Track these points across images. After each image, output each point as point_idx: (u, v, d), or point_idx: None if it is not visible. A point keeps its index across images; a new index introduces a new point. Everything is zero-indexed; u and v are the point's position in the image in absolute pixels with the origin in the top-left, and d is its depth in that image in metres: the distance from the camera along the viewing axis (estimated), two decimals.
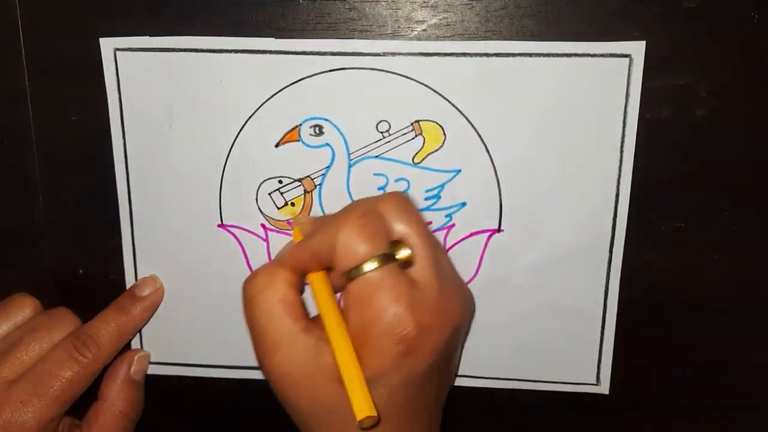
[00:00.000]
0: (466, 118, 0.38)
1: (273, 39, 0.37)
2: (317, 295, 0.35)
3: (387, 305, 0.32)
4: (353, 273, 0.32)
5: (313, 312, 0.36)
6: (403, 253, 0.33)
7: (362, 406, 0.31)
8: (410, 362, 0.32)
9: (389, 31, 0.37)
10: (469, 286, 0.40)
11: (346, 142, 0.38)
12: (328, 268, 0.35)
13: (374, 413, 0.31)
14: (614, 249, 0.39)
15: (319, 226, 0.35)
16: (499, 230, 0.39)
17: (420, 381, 0.33)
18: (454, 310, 0.34)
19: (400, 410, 0.33)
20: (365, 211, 0.33)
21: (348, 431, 0.33)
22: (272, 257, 0.40)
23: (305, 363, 0.33)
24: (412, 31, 0.37)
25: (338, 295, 0.36)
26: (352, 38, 0.37)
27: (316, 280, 0.35)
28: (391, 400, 0.33)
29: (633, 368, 0.41)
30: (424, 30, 0.37)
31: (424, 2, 0.37)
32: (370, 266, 0.32)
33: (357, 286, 0.32)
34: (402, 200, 0.35)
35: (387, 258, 0.32)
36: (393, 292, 0.32)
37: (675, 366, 0.41)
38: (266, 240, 0.40)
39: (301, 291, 0.36)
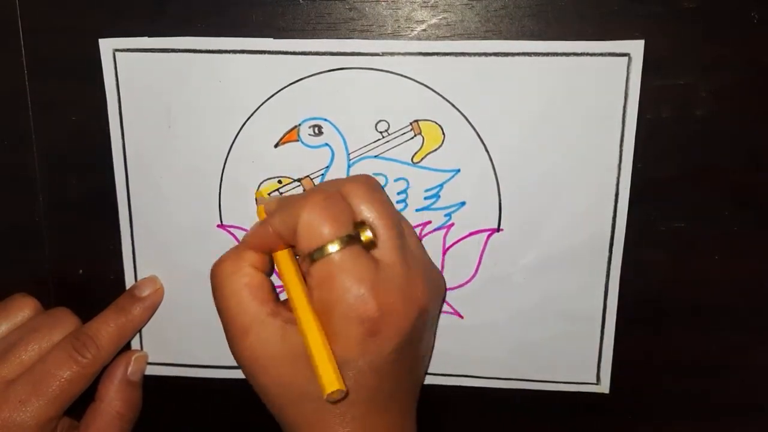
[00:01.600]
0: (465, 117, 0.38)
1: (272, 39, 0.37)
2: (282, 275, 0.35)
3: (349, 287, 0.32)
4: (316, 255, 0.32)
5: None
6: (366, 234, 0.33)
7: (331, 380, 0.31)
8: (375, 344, 0.32)
9: (389, 31, 0.37)
10: (469, 285, 0.40)
11: (345, 142, 0.38)
12: (292, 246, 0.35)
13: (342, 387, 0.31)
14: (614, 249, 0.39)
15: (281, 206, 0.34)
16: (498, 229, 0.39)
17: (387, 365, 0.33)
18: (420, 292, 0.34)
19: (369, 394, 0.33)
20: (329, 194, 0.33)
21: (319, 413, 0.33)
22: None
23: (273, 346, 0.33)
24: (412, 31, 0.37)
25: None
26: (352, 38, 0.37)
27: (282, 259, 0.35)
28: (359, 384, 0.33)
29: (633, 368, 0.41)
30: (424, 30, 0.37)
31: (424, 2, 0.37)
32: (332, 248, 0.32)
33: (319, 268, 0.32)
34: (366, 182, 0.35)
35: (350, 240, 0.32)
36: (355, 274, 0.32)
37: (675, 366, 0.41)
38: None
39: (270, 272, 0.36)
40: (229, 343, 0.35)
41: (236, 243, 0.40)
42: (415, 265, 0.35)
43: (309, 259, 0.33)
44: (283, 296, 0.38)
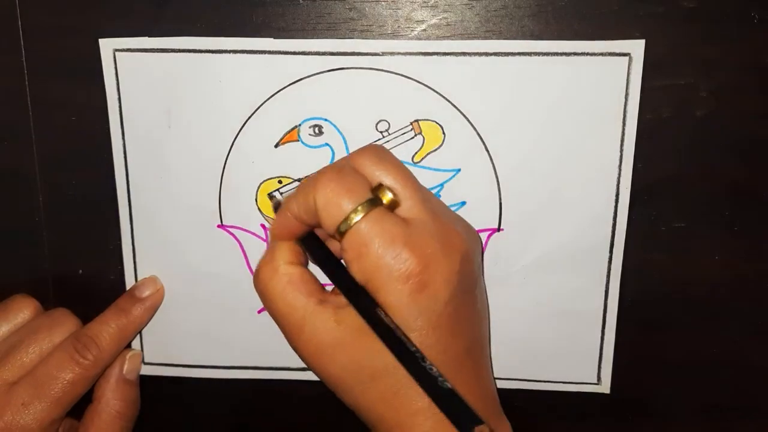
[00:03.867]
0: (466, 117, 0.38)
1: (272, 39, 0.37)
2: (315, 259, 0.35)
3: (384, 249, 0.31)
4: (342, 227, 0.32)
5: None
6: (386, 196, 0.33)
7: (403, 345, 0.30)
8: (425, 299, 0.32)
9: (389, 31, 0.37)
10: None
11: (345, 142, 0.38)
12: (316, 227, 0.35)
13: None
14: (614, 248, 0.39)
15: (296, 189, 0.34)
16: (498, 229, 0.39)
17: (446, 318, 0.32)
18: (456, 239, 0.33)
19: (438, 355, 0.32)
20: (338, 167, 0.33)
21: (394, 388, 0.32)
22: None
23: (331, 332, 0.33)
24: (412, 31, 0.37)
25: None
26: (352, 38, 0.37)
27: (310, 243, 0.35)
28: (425, 345, 0.31)
29: (634, 368, 0.41)
30: (424, 30, 0.37)
31: (424, 2, 0.37)
32: (356, 217, 0.32)
33: (350, 239, 0.32)
34: (376, 149, 0.35)
35: (372, 203, 0.32)
36: (386, 235, 0.31)
37: (675, 365, 0.41)
38: (266, 240, 0.40)
39: (307, 263, 0.36)
40: (290, 345, 0.35)
41: (236, 243, 0.40)
42: (445, 215, 0.34)
43: (338, 233, 0.32)
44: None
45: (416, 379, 0.30)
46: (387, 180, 0.33)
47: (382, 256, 0.31)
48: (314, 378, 0.42)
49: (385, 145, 0.38)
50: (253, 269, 0.40)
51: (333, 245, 0.36)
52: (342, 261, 0.34)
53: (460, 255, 0.33)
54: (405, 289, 0.31)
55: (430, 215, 0.33)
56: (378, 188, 0.33)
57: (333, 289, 0.34)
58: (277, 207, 0.37)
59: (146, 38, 0.38)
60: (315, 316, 0.33)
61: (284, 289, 0.34)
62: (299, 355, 0.34)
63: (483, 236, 0.39)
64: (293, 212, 0.34)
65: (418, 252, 0.31)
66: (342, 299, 0.33)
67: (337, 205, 0.32)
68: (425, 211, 0.33)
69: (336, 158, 0.39)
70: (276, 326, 0.41)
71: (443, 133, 0.38)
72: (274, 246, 0.35)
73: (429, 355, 0.31)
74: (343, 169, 0.33)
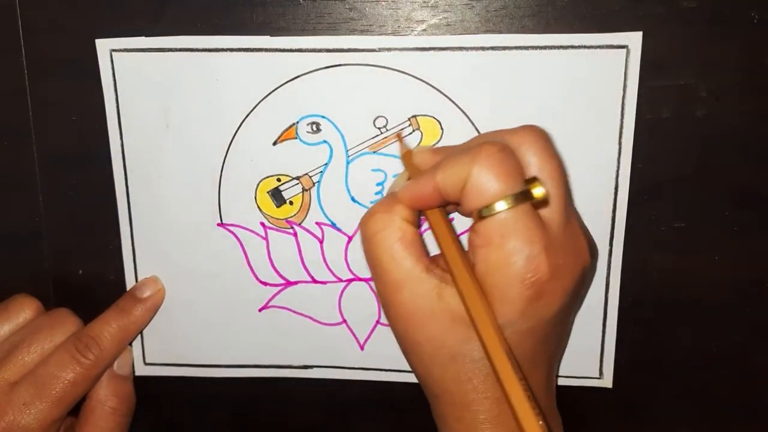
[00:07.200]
0: (463, 112, 0.38)
1: (268, 37, 0.37)
2: (439, 235, 0.33)
3: (520, 248, 0.30)
4: (484, 212, 0.30)
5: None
6: (538, 192, 0.30)
7: (497, 348, 0.29)
8: (540, 307, 0.31)
9: (389, 32, 0.37)
10: None
11: (343, 139, 0.38)
12: (451, 203, 0.33)
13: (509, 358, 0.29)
14: (614, 248, 0.39)
15: (444, 159, 0.32)
16: None
17: (546, 329, 0.32)
18: (584, 252, 0.33)
19: (524, 356, 0.31)
20: (502, 146, 0.31)
21: (468, 374, 0.32)
22: (272, 255, 0.40)
23: (429, 304, 0.32)
24: (412, 31, 0.37)
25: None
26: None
27: (436, 218, 0.33)
28: (515, 345, 0.31)
29: (636, 363, 0.41)
30: (424, 30, 0.37)
31: (424, 2, 0.37)
32: (502, 205, 0.30)
33: (487, 226, 0.30)
34: (539, 134, 0.32)
35: (521, 197, 0.30)
36: (526, 235, 0.30)
37: (676, 365, 0.41)
38: (266, 238, 0.40)
39: (419, 226, 0.34)
40: (381, 299, 0.34)
41: (236, 241, 0.40)
42: (579, 225, 0.33)
43: (476, 215, 0.31)
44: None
45: (505, 393, 0.29)
46: (542, 174, 0.31)
47: (514, 254, 0.30)
48: (317, 376, 0.42)
49: (382, 142, 0.38)
50: (254, 268, 0.40)
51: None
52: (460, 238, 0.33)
53: (582, 270, 0.33)
54: (525, 294, 0.30)
55: (569, 224, 0.32)
56: (532, 181, 0.31)
57: (437, 260, 0.33)
58: (408, 163, 0.35)
59: (143, 38, 0.38)
60: (419, 282, 0.32)
61: (395, 245, 0.32)
62: (386, 312, 0.34)
63: None
64: (437, 182, 0.31)
65: (551, 261, 0.30)
66: (447, 276, 0.32)
67: (489, 188, 0.30)
68: (565, 218, 0.32)
69: (334, 155, 0.39)
70: (276, 326, 0.42)
71: (441, 128, 0.38)
72: (395, 198, 0.33)
73: (518, 354, 0.30)
74: (505, 149, 0.31)
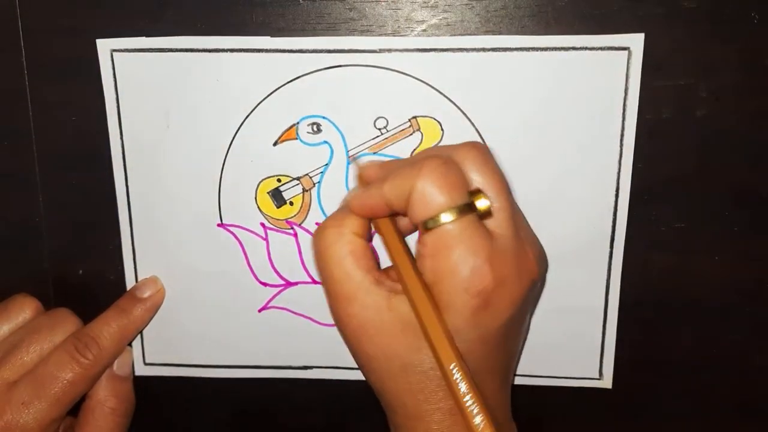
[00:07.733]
0: (464, 113, 0.38)
1: (269, 38, 0.37)
2: (389, 244, 0.34)
3: (465, 258, 0.31)
4: (430, 224, 0.31)
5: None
6: (482, 204, 0.32)
7: (448, 355, 0.30)
8: (487, 317, 0.31)
9: (389, 32, 0.37)
10: None
11: (344, 140, 0.38)
12: (395, 214, 0.34)
13: (460, 362, 0.30)
14: (615, 248, 0.39)
15: (391, 171, 0.33)
16: None
17: (497, 337, 0.32)
18: (532, 264, 0.33)
19: (475, 365, 0.32)
20: (445, 159, 0.32)
21: (423, 383, 0.32)
22: (272, 256, 0.40)
23: (379, 315, 0.32)
24: (412, 31, 0.37)
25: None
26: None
27: (386, 228, 0.34)
28: (467, 355, 0.31)
29: (635, 363, 0.41)
30: (424, 30, 0.37)
31: (424, 2, 0.37)
32: (447, 217, 0.31)
33: (433, 237, 0.31)
34: (482, 150, 0.33)
35: (466, 209, 0.31)
36: (471, 245, 0.31)
37: (676, 365, 0.41)
38: (266, 239, 0.40)
39: (370, 238, 0.35)
40: (332, 311, 0.34)
41: (236, 242, 0.40)
42: (526, 236, 0.34)
43: (422, 226, 0.31)
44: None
45: (453, 396, 0.30)
46: (486, 188, 0.32)
47: (459, 263, 0.31)
48: (316, 376, 0.42)
49: (383, 142, 0.38)
50: (254, 269, 0.40)
51: (400, 221, 0.35)
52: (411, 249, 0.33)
53: (530, 281, 0.33)
54: (471, 303, 0.31)
55: (515, 235, 0.33)
56: (476, 193, 0.32)
57: (388, 272, 0.34)
58: (358, 175, 0.36)
59: (143, 38, 0.38)
60: (368, 294, 0.32)
61: (345, 257, 0.33)
62: (338, 325, 0.34)
63: None
64: (384, 194, 0.32)
65: (496, 271, 0.31)
66: (397, 286, 0.33)
67: (433, 200, 0.31)
68: (511, 229, 0.32)
69: (335, 156, 0.39)
70: (276, 326, 0.42)
71: (441, 129, 0.38)
72: (345, 212, 0.34)
73: (470, 363, 0.31)
74: (448, 163, 0.32)
